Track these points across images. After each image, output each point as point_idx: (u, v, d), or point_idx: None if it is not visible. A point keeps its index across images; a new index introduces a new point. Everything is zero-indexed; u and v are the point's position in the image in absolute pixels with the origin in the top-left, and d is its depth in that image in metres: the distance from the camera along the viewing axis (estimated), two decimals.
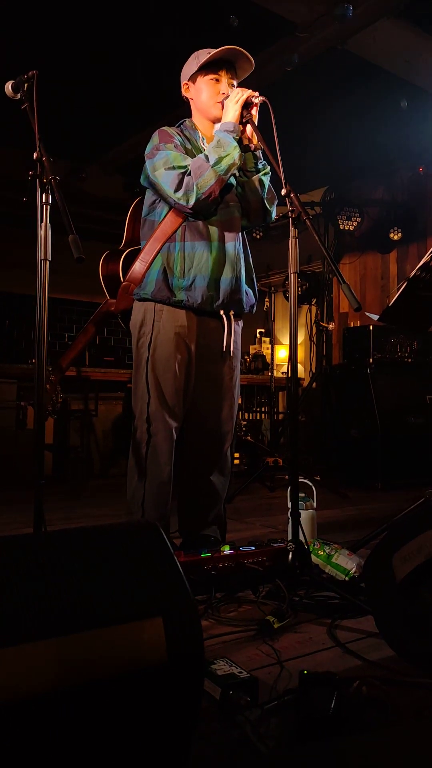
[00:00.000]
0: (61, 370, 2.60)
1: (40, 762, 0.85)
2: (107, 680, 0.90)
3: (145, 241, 2.35)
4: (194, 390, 2.38)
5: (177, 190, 2.21)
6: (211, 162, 2.18)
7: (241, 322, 2.49)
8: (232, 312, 2.39)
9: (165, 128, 2.36)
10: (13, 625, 0.87)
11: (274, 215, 2.49)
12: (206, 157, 2.20)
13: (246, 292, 2.42)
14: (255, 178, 2.36)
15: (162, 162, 2.24)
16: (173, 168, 2.22)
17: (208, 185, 2.19)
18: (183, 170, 2.22)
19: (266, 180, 2.38)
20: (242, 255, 2.41)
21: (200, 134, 2.41)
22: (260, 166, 2.37)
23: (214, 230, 2.32)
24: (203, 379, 2.40)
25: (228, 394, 2.45)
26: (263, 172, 2.37)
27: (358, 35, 3.98)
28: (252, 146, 2.32)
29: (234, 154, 2.20)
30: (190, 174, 2.21)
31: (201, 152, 2.35)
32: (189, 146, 2.36)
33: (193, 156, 2.31)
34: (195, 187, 2.19)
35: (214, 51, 2.26)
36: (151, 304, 2.32)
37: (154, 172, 2.26)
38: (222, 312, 2.36)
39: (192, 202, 2.20)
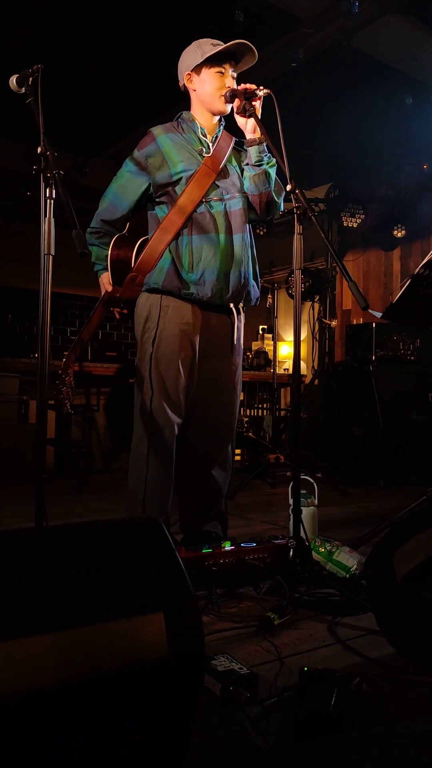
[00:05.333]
0: (83, 343, 2.54)
1: (40, 755, 0.85)
2: (107, 675, 0.90)
3: (152, 232, 2.34)
4: (197, 386, 2.38)
5: (92, 223, 2.44)
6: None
7: (243, 317, 2.49)
8: (241, 304, 2.40)
9: (153, 130, 2.36)
10: (13, 618, 0.87)
11: (282, 207, 2.48)
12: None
13: (252, 285, 2.43)
14: (262, 171, 2.34)
15: (114, 186, 2.42)
16: (106, 200, 2.43)
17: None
18: (104, 209, 2.43)
19: (273, 172, 2.37)
20: (249, 247, 2.41)
21: (199, 125, 2.40)
22: (266, 158, 2.35)
23: (221, 223, 2.32)
24: (206, 375, 2.39)
25: (230, 390, 2.45)
26: (270, 164, 2.35)
27: (363, 31, 3.96)
28: (258, 139, 2.31)
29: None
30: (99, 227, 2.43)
31: (201, 144, 2.37)
32: (185, 138, 2.35)
33: (190, 152, 2.32)
34: (89, 236, 2.44)
35: (223, 44, 2.26)
36: (158, 298, 2.31)
37: (110, 185, 2.44)
38: (231, 304, 2.36)
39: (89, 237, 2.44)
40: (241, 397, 3.73)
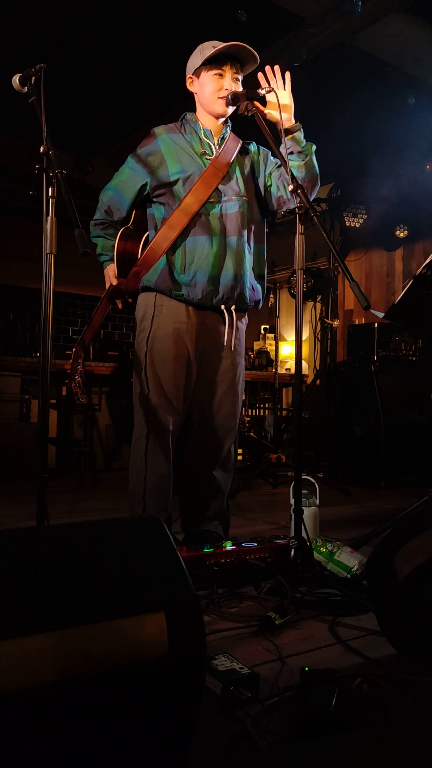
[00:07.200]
0: (86, 343, 2.54)
1: (40, 754, 0.85)
2: (109, 674, 0.90)
3: (154, 230, 2.34)
4: (196, 386, 2.38)
5: (95, 215, 2.46)
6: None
7: (245, 319, 2.47)
8: (233, 307, 2.37)
9: (156, 129, 2.36)
10: (14, 617, 0.87)
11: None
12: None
13: (252, 287, 2.40)
14: (310, 155, 2.29)
15: (115, 181, 2.42)
16: (107, 193, 2.43)
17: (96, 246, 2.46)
18: (105, 202, 2.43)
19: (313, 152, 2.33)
20: (249, 250, 2.38)
21: (201, 126, 2.38)
22: (305, 144, 2.29)
23: (216, 225, 2.30)
24: (205, 374, 2.39)
25: (231, 391, 2.44)
26: (311, 146, 2.30)
27: (366, 31, 3.96)
28: (295, 126, 2.25)
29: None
30: (103, 218, 2.45)
31: (204, 145, 2.36)
32: (186, 139, 2.34)
33: (190, 154, 2.31)
34: (93, 228, 2.46)
35: (219, 46, 2.25)
36: (152, 297, 2.32)
37: (111, 180, 2.44)
38: (223, 307, 2.35)
39: (93, 228, 2.47)
40: (243, 398, 3.73)
